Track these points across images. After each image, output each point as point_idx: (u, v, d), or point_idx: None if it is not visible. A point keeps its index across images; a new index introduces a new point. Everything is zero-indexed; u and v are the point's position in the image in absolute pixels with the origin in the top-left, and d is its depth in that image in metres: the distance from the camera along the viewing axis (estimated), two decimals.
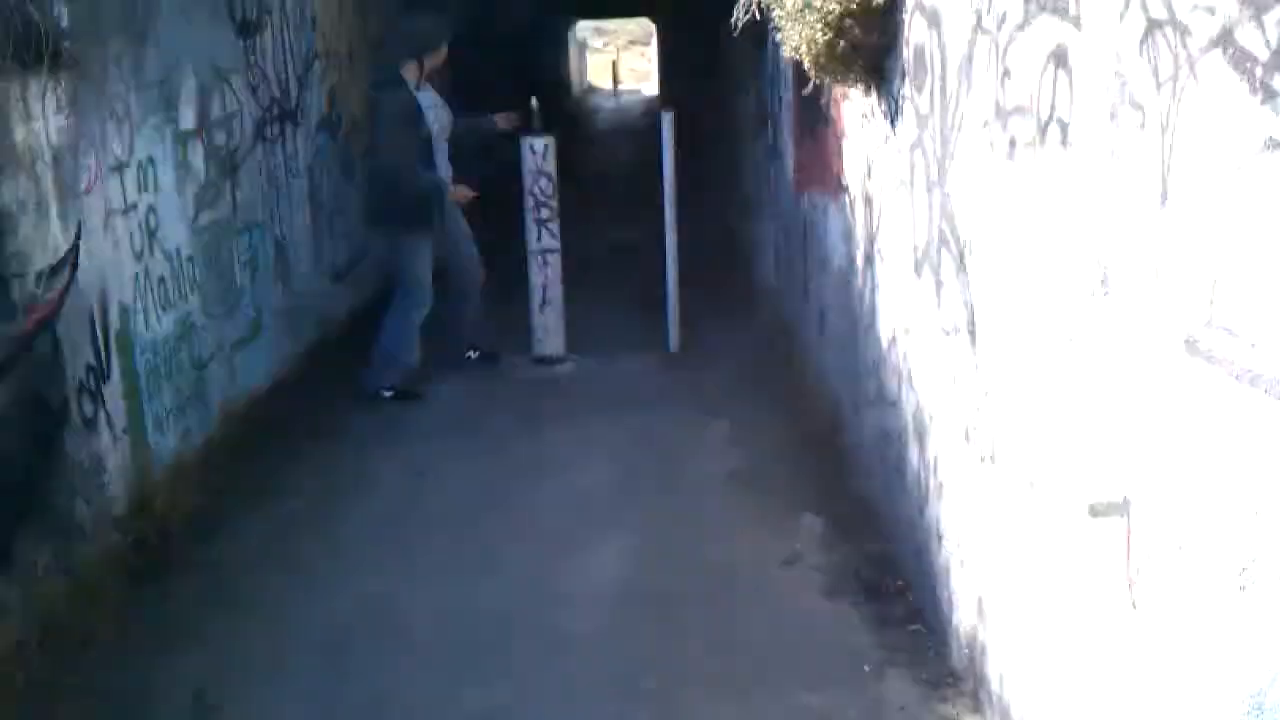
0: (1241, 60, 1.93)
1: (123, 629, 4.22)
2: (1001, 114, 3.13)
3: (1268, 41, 1.84)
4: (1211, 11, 2.02)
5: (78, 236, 4.51)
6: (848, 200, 5.09)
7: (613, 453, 5.75)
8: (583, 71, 25.44)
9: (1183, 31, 2.12)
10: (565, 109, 15.28)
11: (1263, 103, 1.85)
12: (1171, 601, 2.24)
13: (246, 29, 6.63)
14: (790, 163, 6.70)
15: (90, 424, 4.57)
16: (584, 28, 24.31)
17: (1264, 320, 1.88)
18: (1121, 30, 2.36)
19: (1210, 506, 2.07)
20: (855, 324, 4.98)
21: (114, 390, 4.78)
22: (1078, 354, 2.64)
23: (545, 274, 7.17)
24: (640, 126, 12.70)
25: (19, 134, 4.14)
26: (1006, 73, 3.08)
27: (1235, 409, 1.96)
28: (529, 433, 6.08)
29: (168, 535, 4.89)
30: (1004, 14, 3.08)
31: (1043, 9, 2.81)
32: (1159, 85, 2.22)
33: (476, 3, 12.04)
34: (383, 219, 6.85)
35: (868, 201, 4.73)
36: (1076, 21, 2.62)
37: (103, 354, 4.71)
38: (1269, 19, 1.83)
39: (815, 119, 5.80)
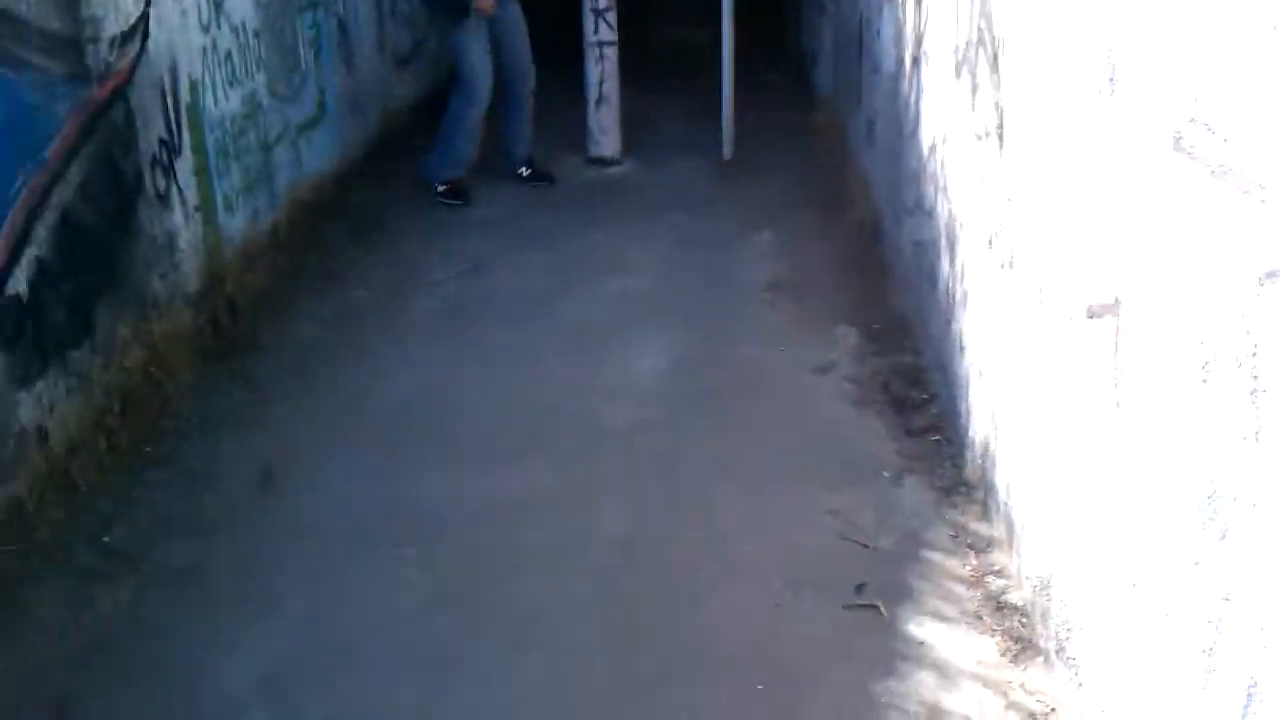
0: None
1: (197, 404, 4.43)
2: None
3: None
4: None
5: (148, 3, 4.54)
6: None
7: (660, 257, 5.81)
8: None
9: None
10: None
11: None
12: (1148, 398, 2.29)
13: None
14: None
15: (163, 199, 4.69)
16: None
17: (1237, 115, 1.88)
18: None
19: (1184, 303, 2.10)
20: (900, 131, 4.93)
21: (185, 166, 4.88)
22: (1087, 154, 2.63)
23: (602, 68, 7.08)
24: None
25: None
26: None
27: (1209, 204, 1.98)
28: (580, 234, 6.14)
29: (237, 315, 5.07)
30: None
31: None
32: None
33: None
34: (430, 6, 6.68)
35: (918, 1, 4.63)
36: None
37: (174, 128, 4.79)
38: None
39: None
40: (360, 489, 3.91)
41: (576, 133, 7.30)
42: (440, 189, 6.72)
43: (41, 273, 3.84)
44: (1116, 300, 2.44)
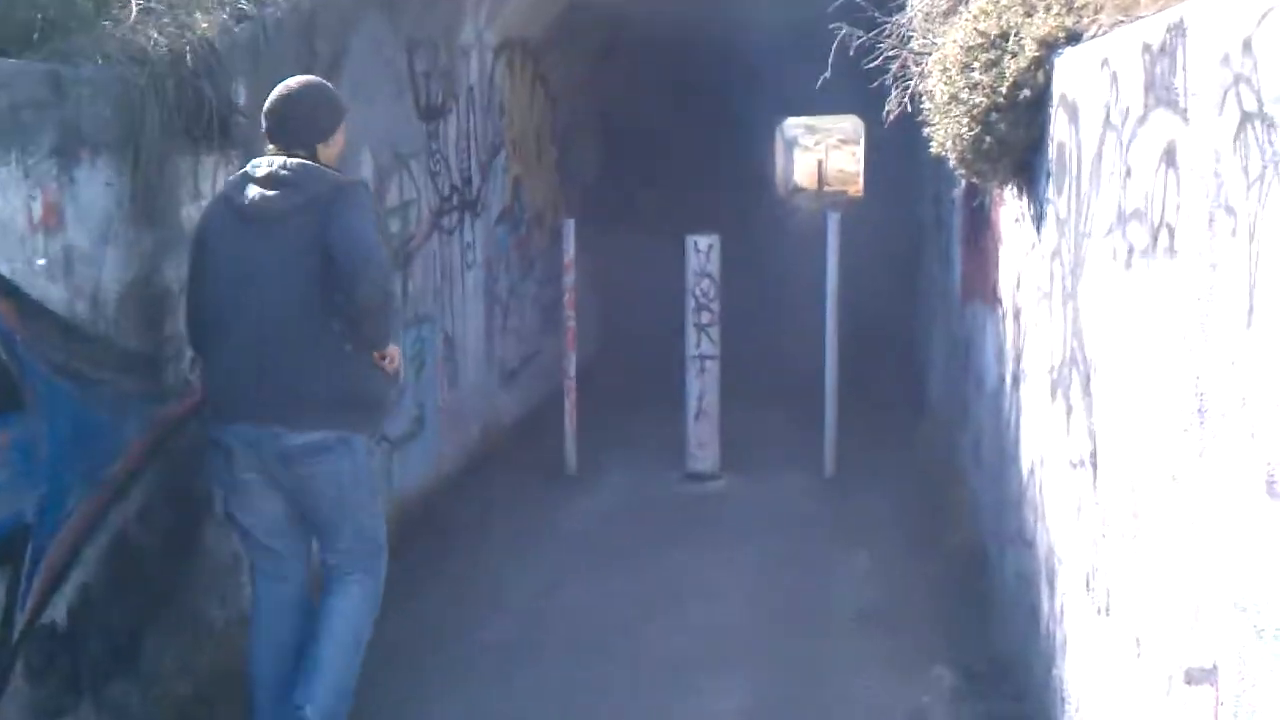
0: None
1: None
2: (1122, 218, 2.81)
3: None
4: None
5: None
6: (1001, 313, 4.74)
7: (750, 583, 5.48)
8: (789, 170, 25.01)
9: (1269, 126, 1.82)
10: (766, 209, 15.03)
11: None
12: None
13: (431, 113, 6.60)
14: (958, 271, 6.36)
15: (230, 518, 4.57)
16: (793, 125, 23.93)
17: None
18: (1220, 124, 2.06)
19: None
20: (1002, 453, 4.60)
21: None
22: (1178, 495, 2.28)
23: (702, 382, 6.94)
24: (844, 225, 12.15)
25: (186, 210, 4.16)
26: (1128, 172, 2.78)
27: None
28: (668, 555, 5.82)
29: None
30: (1127, 108, 2.79)
31: (1159, 102, 2.52)
32: (1249, 186, 1.91)
33: (686, 94, 12.02)
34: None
35: (1017, 315, 4.39)
36: (1185, 115, 2.32)
37: None
38: None
39: (978, 224, 5.48)
40: None
41: (674, 447, 7.11)
42: None
43: (84, 600, 3.62)
44: (1214, 666, 2.03)
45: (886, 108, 4.66)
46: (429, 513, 6.25)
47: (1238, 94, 1.97)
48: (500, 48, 7.82)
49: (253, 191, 3.67)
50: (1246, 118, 1.93)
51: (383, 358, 3.79)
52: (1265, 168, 1.83)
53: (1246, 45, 1.93)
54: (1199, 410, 2.14)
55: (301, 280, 3.61)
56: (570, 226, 7.15)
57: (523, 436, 7.76)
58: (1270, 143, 1.81)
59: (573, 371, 7.15)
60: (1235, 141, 1.98)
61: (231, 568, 4.49)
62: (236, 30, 4.61)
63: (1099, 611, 2.93)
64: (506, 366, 8.18)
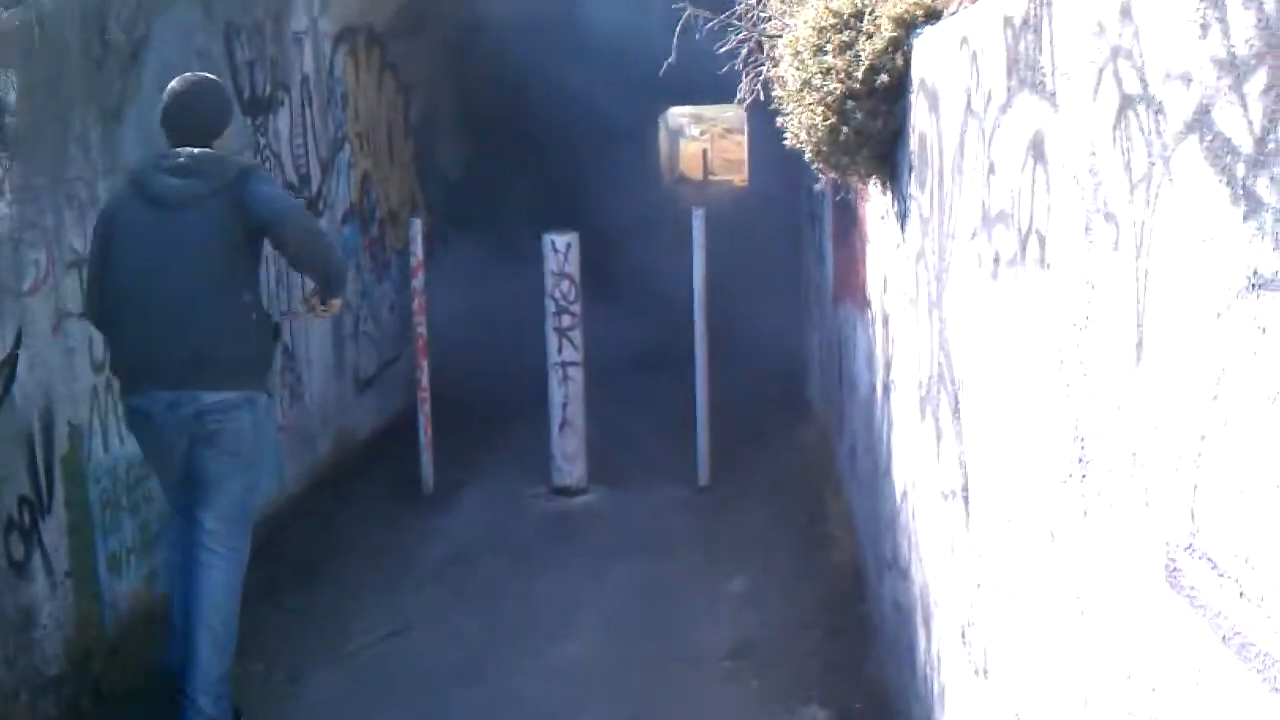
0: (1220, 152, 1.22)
1: None
2: (988, 221, 2.43)
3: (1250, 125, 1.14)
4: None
5: (16, 345, 3.98)
6: (870, 317, 4.38)
7: (614, 614, 5.04)
8: (674, 160, 24.65)
9: (1157, 111, 1.43)
10: (648, 202, 14.59)
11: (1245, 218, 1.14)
12: None
13: (257, 106, 6.06)
14: (830, 268, 6.00)
15: (19, 568, 3.99)
16: (679, 114, 23.65)
17: (1256, 549, 1.15)
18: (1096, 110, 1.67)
19: None
20: (876, 467, 4.23)
21: (55, 526, 4.20)
22: (1059, 557, 1.90)
23: (566, 390, 6.46)
24: (725, 217, 11.46)
25: None
26: (991, 167, 2.40)
27: (1219, 677, 1.23)
28: (527, 585, 5.36)
29: (104, 702, 4.25)
30: (989, 93, 2.40)
31: (1023, 85, 2.13)
32: (1132, 187, 1.52)
33: (557, 84, 11.53)
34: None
35: (885, 320, 4.02)
36: (1053, 100, 1.94)
37: (43, 484, 4.15)
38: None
39: (846, 219, 5.12)
40: None
41: (540, 460, 6.65)
42: None
43: None
44: None
45: (738, 95, 4.26)
46: (267, 542, 5.69)
47: (1116, 72, 1.58)
48: (341, 35, 7.27)
49: (164, 181, 4.00)
50: (1128, 101, 1.54)
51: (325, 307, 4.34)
52: (1153, 164, 1.44)
53: (1125, 11, 1.54)
54: (1080, 460, 1.76)
55: (212, 258, 3.98)
56: (418, 225, 6.62)
57: (381, 450, 7.24)
58: (1159, 133, 1.42)
59: (426, 382, 6.62)
60: (1115, 131, 1.59)
61: (20, 623, 3.97)
62: (4, 17, 4.05)
63: (977, 672, 2.55)
64: (361, 375, 7.63)
